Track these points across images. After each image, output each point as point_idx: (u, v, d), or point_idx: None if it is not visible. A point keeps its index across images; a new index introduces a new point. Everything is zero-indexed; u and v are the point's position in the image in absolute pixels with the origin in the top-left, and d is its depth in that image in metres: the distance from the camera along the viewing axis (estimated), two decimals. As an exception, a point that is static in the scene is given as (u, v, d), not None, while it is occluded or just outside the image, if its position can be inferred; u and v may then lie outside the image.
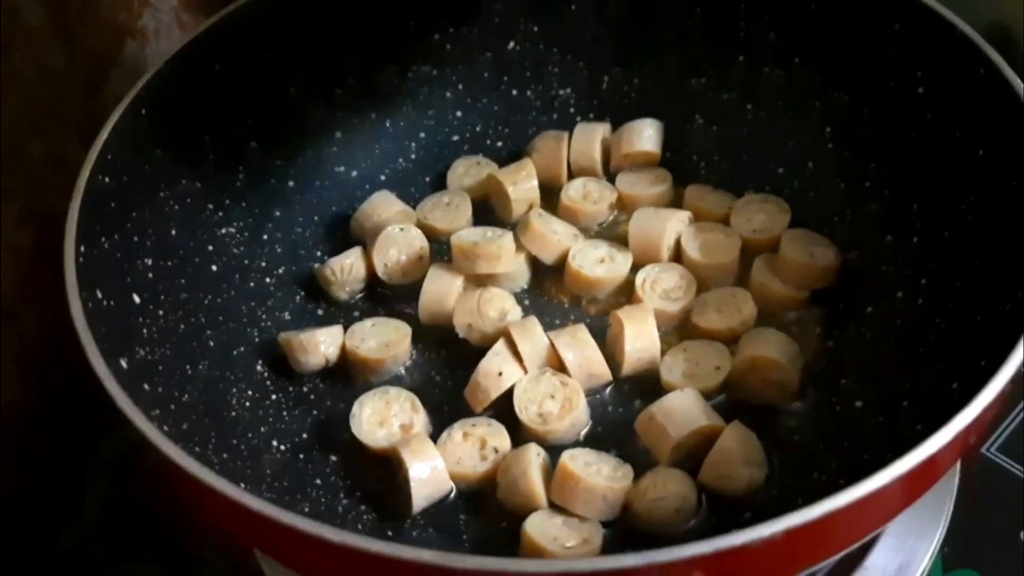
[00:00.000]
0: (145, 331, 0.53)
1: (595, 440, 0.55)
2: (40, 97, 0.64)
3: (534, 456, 0.52)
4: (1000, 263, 0.49)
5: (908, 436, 0.40)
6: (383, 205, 0.66)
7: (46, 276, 0.63)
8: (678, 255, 0.62)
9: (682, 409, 0.52)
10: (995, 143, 0.52)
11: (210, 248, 0.61)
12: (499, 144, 0.70)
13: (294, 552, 0.41)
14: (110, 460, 0.66)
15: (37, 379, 0.63)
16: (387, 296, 0.64)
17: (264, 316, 0.61)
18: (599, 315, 0.61)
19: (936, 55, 0.56)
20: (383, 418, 0.55)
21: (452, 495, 0.54)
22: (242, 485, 0.41)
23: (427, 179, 0.70)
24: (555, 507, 0.51)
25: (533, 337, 0.57)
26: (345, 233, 0.66)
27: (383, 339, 0.59)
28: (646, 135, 0.67)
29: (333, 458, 0.56)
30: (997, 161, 0.52)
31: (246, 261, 0.62)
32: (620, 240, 0.63)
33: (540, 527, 0.49)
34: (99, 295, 0.49)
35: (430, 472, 0.52)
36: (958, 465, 0.57)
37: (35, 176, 0.63)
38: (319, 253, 0.66)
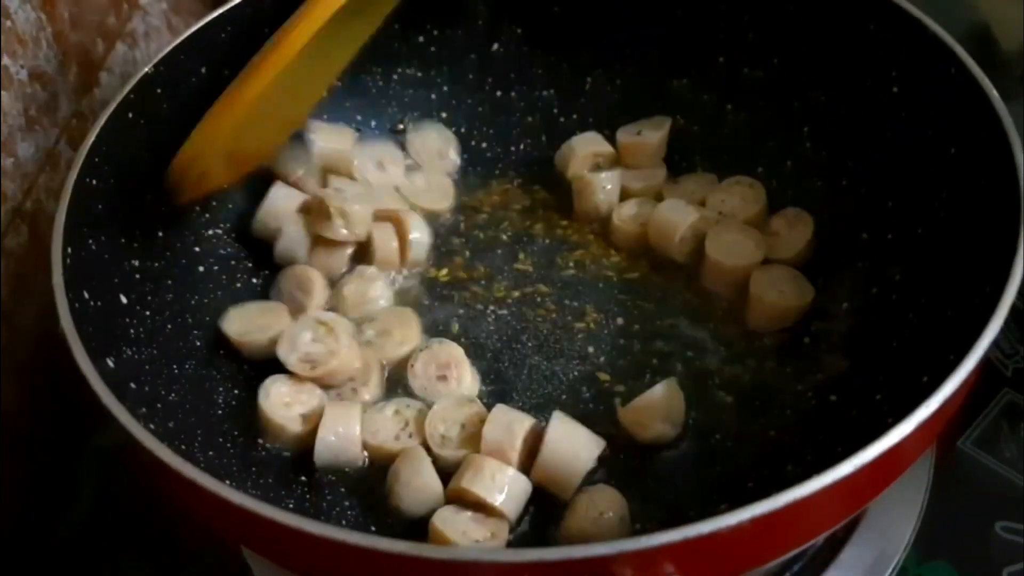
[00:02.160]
0: (132, 331, 0.53)
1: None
2: (32, 99, 0.64)
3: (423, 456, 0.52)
4: (970, 258, 0.50)
5: (880, 429, 0.40)
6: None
7: (38, 275, 0.64)
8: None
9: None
10: (966, 141, 0.53)
11: (196, 249, 0.61)
12: (483, 144, 0.71)
13: (275, 545, 0.41)
14: (102, 457, 0.67)
15: (31, 377, 0.64)
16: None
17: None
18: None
19: (909, 55, 0.57)
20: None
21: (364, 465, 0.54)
22: (227, 482, 0.41)
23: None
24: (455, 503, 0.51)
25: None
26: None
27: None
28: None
29: (318, 455, 0.56)
30: (968, 159, 0.53)
31: (232, 262, 0.63)
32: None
33: (449, 521, 0.49)
34: (86, 295, 0.50)
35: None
36: (932, 459, 0.58)
37: (27, 177, 0.64)
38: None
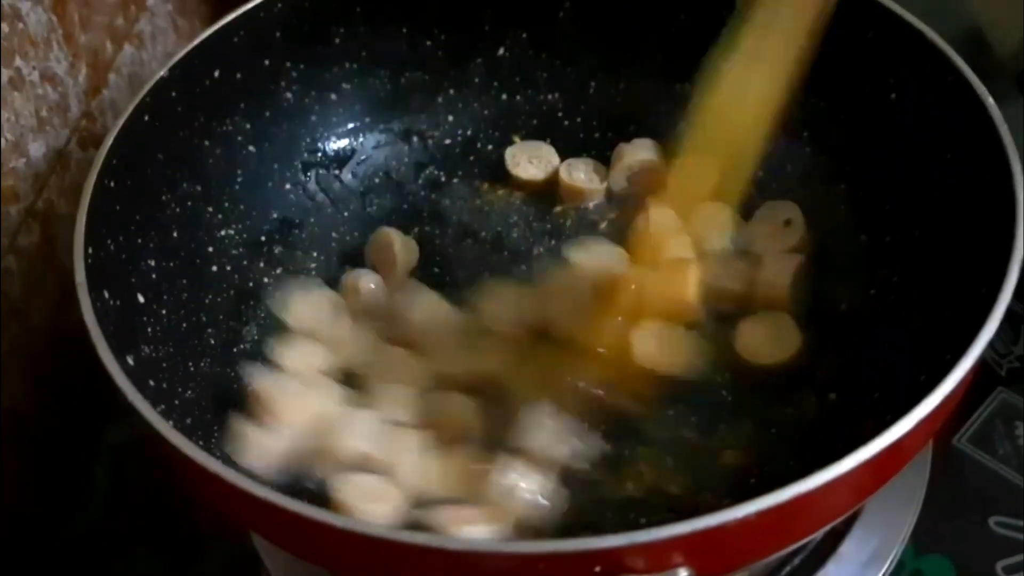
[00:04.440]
0: (149, 330, 0.55)
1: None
2: (43, 100, 0.65)
3: None
4: (966, 261, 0.52)
5: (880, 426, 0.42)
6: None
7: (50, 273, 0.65)
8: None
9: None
10: (963, 147, 0.55)
11: (210, 249, 0.63)
12: (489, 147, 0.72)
13: (298, 538, 0.43)
14: (115, 452, 0.68)
15: (43, 373, 0.65)
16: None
17: (263, 315, 0.63)
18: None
19: (907, 63, 0.58)
20: None
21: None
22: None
23: (419, 182, 0.71)
24: None
25: None
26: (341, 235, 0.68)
27: None
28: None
29: (331, 451, 0.58)
30: (964, 164, 0.55)
31: (245, 262, 0.64)
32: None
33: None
34: (106, 295, 0.51)
35: None
36: (929, 456, 0.60)
37: (38, 177, 0.65)
38: (315, 253, 0.67)
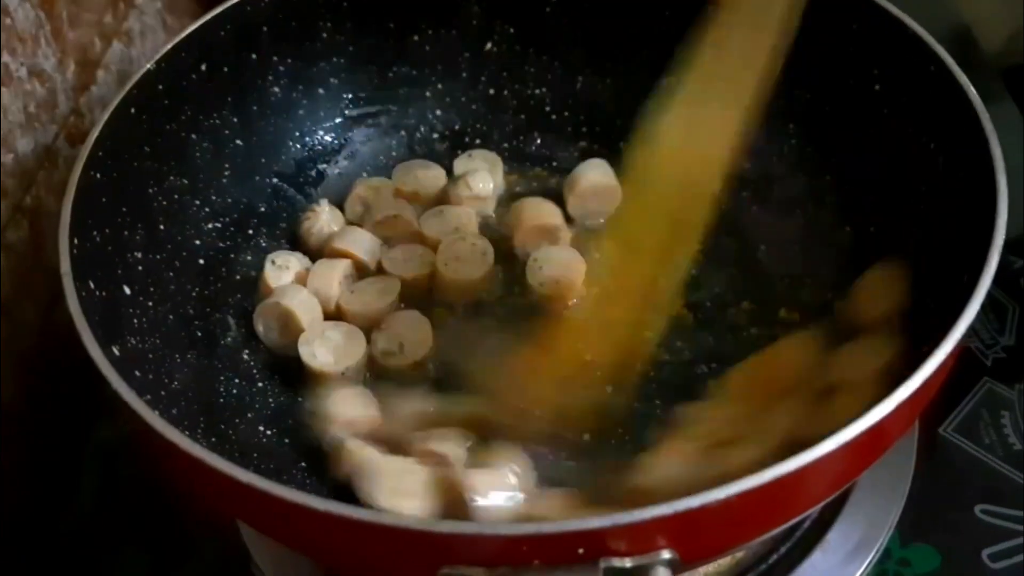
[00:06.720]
0: (135, 321, 0.55)
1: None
2: (31, 96, 0.65)
3: None
4: (948, 250, 0.52)
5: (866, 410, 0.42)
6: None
7: (38, 270, 0.65)
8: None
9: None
10: (945, 137, 0.55)
11: (197, 242, 0.63)
12: (477, 141, 0.73)
13: (282, 523, 0.43)
14: (104, 449, 0.68)
15: (32, 370, 0.65)
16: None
17: (250, 307, 0.63)
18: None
19: (891, 54, 0.58)
20: None
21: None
22: (231, 466, 0.42)
23: (406, 176, 0.72)
24: None
25: None
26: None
27: None
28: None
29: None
30: (946, 155, 0.55)
31: (232, 255, 0.64)
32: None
33: None
34: (92, 286, 0.51)
35: None
36: (915, 445, 0.60)
37: (27, 174, 0.65)
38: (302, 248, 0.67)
